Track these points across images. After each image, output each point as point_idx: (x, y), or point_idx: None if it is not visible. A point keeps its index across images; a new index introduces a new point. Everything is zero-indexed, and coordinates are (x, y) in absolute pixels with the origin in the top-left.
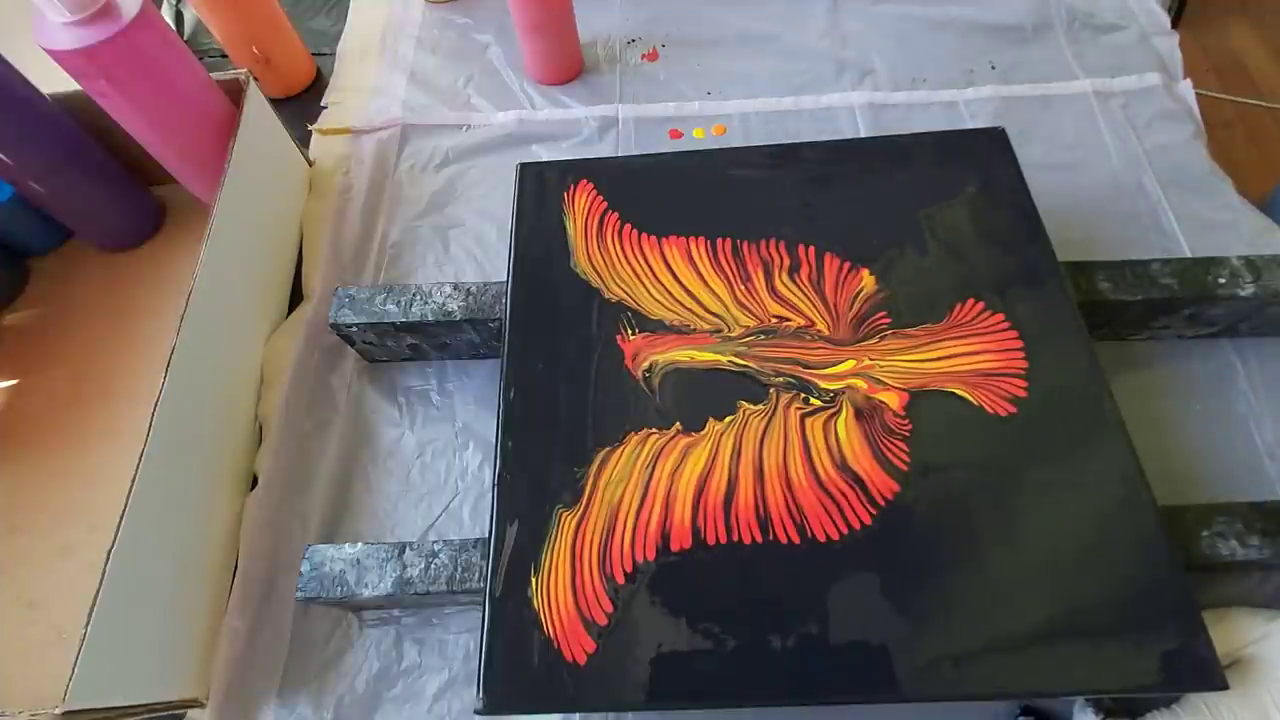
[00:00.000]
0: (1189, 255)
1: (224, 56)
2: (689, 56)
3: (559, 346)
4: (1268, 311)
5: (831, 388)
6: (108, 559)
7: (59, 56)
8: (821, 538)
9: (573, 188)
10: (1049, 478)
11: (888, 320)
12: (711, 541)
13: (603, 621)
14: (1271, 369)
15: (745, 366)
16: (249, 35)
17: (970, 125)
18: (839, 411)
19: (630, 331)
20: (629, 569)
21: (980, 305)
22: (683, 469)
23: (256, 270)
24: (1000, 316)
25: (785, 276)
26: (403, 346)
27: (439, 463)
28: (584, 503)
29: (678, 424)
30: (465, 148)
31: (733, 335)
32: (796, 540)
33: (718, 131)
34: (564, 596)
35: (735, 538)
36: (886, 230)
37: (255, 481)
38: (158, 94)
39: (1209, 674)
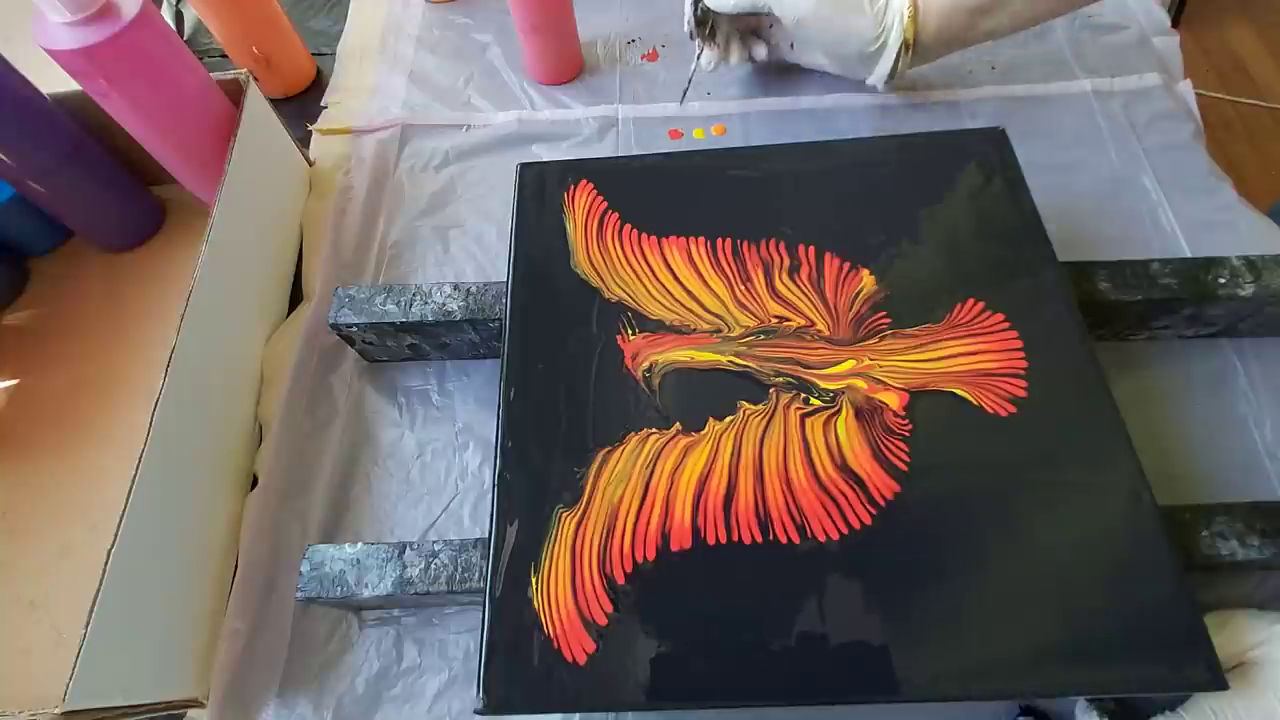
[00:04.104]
0: (1189, 255)
1: (224, 56)
2: (689, 56)
3: (559, 346)
4: (1268, 311)
5: (831, 388)
6: (108, 559)
7: (59, 56)
8: (821, 538)
9: (573, 188)
10: (1049, 478)
11: (887, 320)
12: (711, 542)
13: (603, 621)
14: (1271, 369)
15: (745, 366)
16: (249, 35)
17: (970, 125)
18: (839, 411)
19: (630, 331)
20: (629, 569)
21: (980, 305)
22: (683, 469)
23: (256, 270)
24: (1000, 316)
25: (785, 276)
26: (403, 346)
27: (439, 463)
28: (584, 503)
29: (678, 424)
30: (465, 148)
31: (733, 335)
32: (796, 540)
33: (718, 131)
34: (564, 596)
35: (735, 538)
36: (886, 230)
37: (255, 481)
38: (158, 94)
39: (1209, 674)
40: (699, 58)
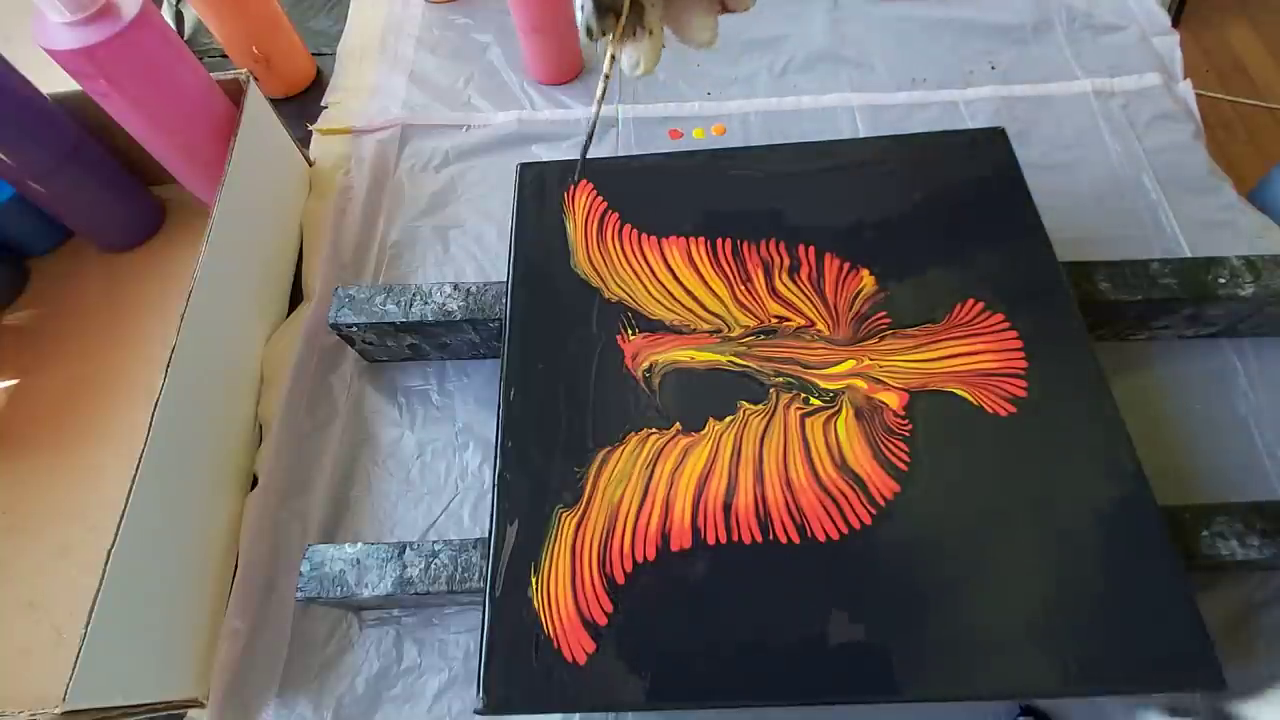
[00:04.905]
0: (1189, 255)
1: (224, 56)
2: (689, 56)
3: (559, 346)
4: (1268, 311)
5: (831, 388)
6: (108, 559)
7: (59, 56)
8: (821, 538)
9: (573, 188)
10: (1049, 478)
11: (888, 320)
12: (711, 541)
13: (603, 621)
14: (1271, 369)
15: (745, 366)
16: (249, 35)
17: (970, 125)
18: (839, 411)
19: (630, 331)
20: (629, 569)
21: (980, 305)
22: (683, 469)
23: (256, 270)
24: (1000, 316)
25: (785, 276)
26: (403, 346)
27: (439, 463)
28: (584, 503)
29: (678, 424)
30: (465, 148)
31: (733, 335)
32: (796, 540)
33: (718, 131)
34: (564, 596)
35: (735, 538)
36: (886, 230)
37: (255, 481)
38: (158, 94)
39: (1209, 674)
40: (612, 63)
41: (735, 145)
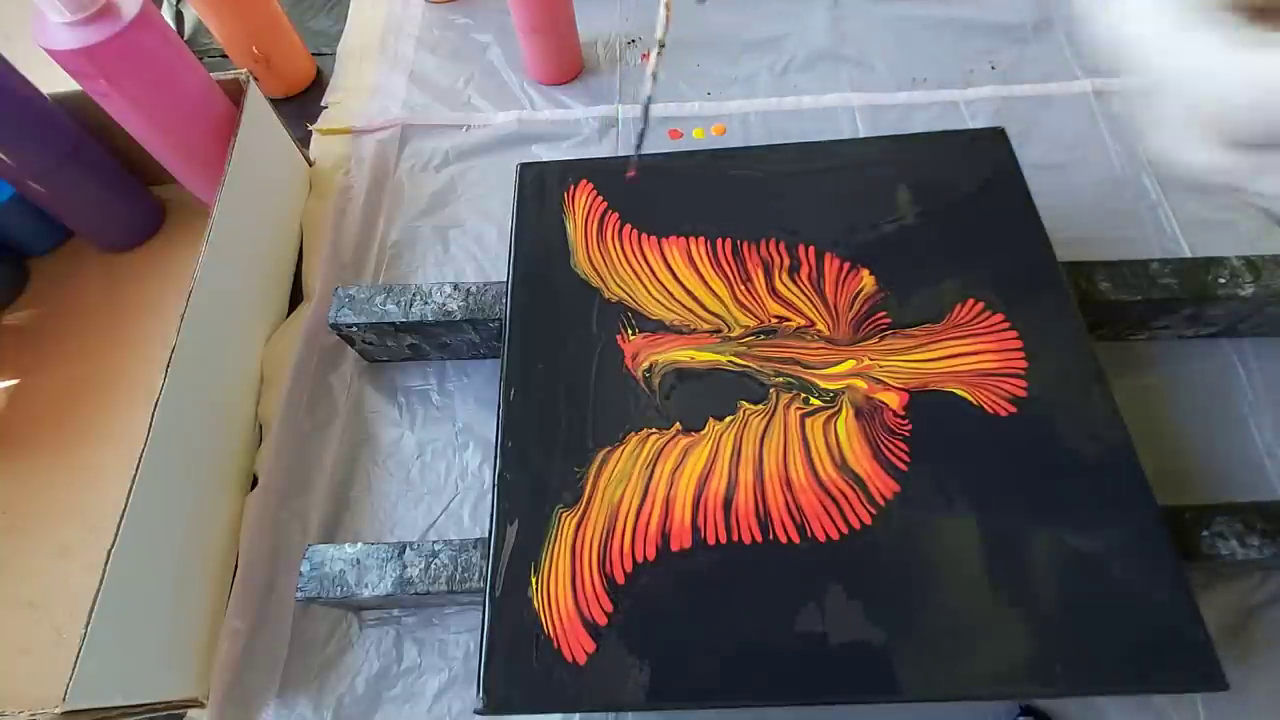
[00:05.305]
0: (1189, 255)
1: (224, 56)
2: (689, 57)
3: (559, 346)
4: (1268, 311)
5: (831, 388)
6: (108, 559)
7: (59, 56)
8: (821, 538)
9: (573, 188)
10: (1049, 478)
11: (888, 320)
12: (711, 542)
13: (603, 621)
14: (1271, 369)
15: (745, 366)
16: (249, 35)
17: (970, 125)
18: (839, 411)
19: (630, 331)
20: (629, 569)
21: (980, 305)
22: (683, 469)
23: (256, 270)
24: (1000, 316)
25: (785, 276)
26: (403, 346)
27: (439, 463)
28: (584, 503)
29: (678, 424)
30: (465, 148)
31: (733, 335)
32: (796, 540)
33: (718, 131)
34: (564, 596)
35: (735, 538)
36: (887, 230)
37: (255, 481)
38: (158, 94)
39: (1209, 673)
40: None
41: (735, 145)
